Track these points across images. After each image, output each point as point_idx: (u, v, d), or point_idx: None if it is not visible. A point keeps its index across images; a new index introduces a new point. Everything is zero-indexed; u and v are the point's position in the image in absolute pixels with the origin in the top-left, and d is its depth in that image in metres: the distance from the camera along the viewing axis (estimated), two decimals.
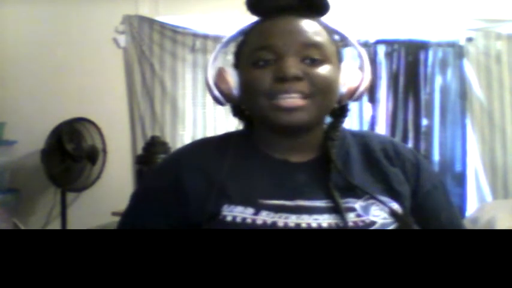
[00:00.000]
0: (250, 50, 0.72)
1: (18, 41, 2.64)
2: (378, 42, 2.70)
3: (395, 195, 0.73)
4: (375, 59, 2.69)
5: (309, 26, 0.71)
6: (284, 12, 0.71)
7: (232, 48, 0.80)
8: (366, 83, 0.75)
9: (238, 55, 0.76)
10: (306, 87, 0.68)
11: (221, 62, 0.79)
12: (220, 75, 0.75)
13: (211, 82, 0.75)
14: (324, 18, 0.76)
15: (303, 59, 0.69)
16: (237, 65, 0.76)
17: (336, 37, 0.76)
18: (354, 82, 0.74)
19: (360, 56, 0.77)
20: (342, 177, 0.71)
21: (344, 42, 0.79)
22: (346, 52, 0.81)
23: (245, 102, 0.75)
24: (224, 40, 0.80)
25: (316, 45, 0.70)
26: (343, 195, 0.70)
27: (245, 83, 0.72)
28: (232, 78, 0.74)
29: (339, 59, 0.75)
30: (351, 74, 0.74)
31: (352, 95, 0.74)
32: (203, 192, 0.71)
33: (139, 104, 2.66)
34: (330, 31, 0.75)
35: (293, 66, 0.67)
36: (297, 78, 0.67)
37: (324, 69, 0.69)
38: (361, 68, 0.75)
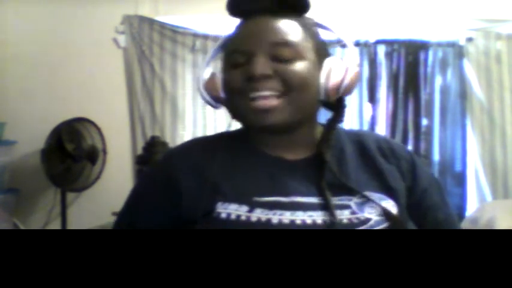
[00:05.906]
0: (227, 53, 0.74)
1: (18, 41, 2.63)
2: (378, 42, 2.69)
3: (391, 192, 0.74)
4: (375, 59, 2.68)
5: (281, 25, 0.71)
6: (261, 13, 0.72)
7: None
8: (351, 76, 0.72)
9: (222, 59, 0.78)
10: (277, 84, 0.69)
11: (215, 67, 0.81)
12: (211, 79, 0.76)
13: (201, 87, 0.77)
14: (321, 19, 0.76)
15: (273, 58, 0.69)
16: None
17: (318, 32, 0.76)
18: (338, 76, 0.72)
19: (344, 46, 0.77)
20: (336, 176, 0.72)
21: (331, 37, 0.78)
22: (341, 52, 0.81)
23: (226, 104, 0.76)
24: (214, 48, 0.81)
25: (286, 44, 0.70)
26: (338, 193, 0.70)
27: (223, 85, 0.74)
28: (220, 82, 0.75)
29: (319, 55, 0.73)
30: (334, 68, 0.72)
31: (338, 89, 0.72)
32: (197, 190, 0.71)
33: (139, 104, 2.66)
34: (310, 27, 0.74)
35: (261, 64, 0.68)
36: (267, 76, 0.68)
37: (296, 66, 0.69)
38: (347, 61, 0.74)
